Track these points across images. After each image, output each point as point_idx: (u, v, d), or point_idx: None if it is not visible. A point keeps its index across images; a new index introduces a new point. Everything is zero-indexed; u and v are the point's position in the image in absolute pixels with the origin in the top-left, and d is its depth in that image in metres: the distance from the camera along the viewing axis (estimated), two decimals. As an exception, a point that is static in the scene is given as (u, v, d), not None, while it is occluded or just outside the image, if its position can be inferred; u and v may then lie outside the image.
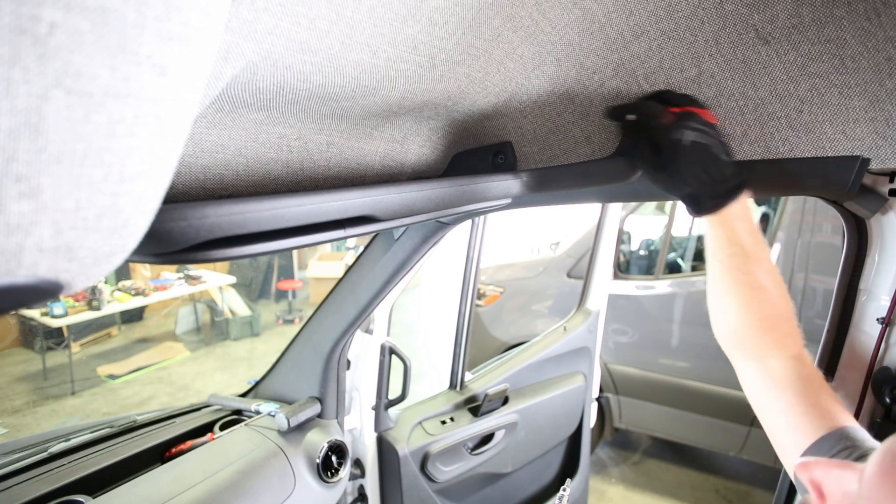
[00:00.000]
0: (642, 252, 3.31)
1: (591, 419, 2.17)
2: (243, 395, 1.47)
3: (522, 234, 4.12)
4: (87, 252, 0.21)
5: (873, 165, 0.64)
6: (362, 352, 1.44)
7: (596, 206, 2.47)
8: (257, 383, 1.46)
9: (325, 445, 1.22)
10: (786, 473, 0.61)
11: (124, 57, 0.18)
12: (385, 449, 1.50)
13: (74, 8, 0.16)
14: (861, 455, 0.53)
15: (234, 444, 1.15)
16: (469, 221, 1.59)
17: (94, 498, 0.96)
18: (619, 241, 2.98)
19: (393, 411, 1.54)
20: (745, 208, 0.64)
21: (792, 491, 1.02)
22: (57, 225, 0.19)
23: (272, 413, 1.25)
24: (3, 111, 0.15)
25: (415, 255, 1.15)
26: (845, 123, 0.62)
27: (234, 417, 1.32)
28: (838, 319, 0.95)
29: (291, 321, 6.11)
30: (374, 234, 1.15)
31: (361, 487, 1.51)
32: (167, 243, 0.37)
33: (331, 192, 0.48)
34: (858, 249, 0.91)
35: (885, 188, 0.79)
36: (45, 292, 0.20)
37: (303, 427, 1.24)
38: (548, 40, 0.64)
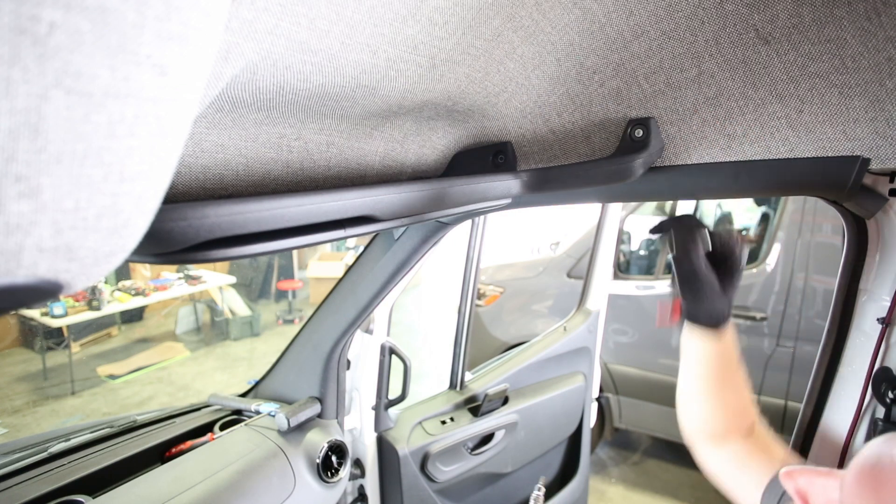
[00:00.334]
0: (642, 252, 3.30)
1: (591, 419, 2.17)
2: (243, 395, 1.47)
3: (522, 234, 4.12)
4: (87, 252, 0.21)
5: (873, 165, 0.64)
6: (362, 352, 1.44)
7: (596, 206, 2.47)
8: (257, 383, 1.46)
9: (325, 445, 1.22)
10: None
11: (124, 57, 0.18)
12: (385, 449, 1.50)
13: (74, 8, 0.16)
14: None
15: (234, 444, 1.15)
16: (469, 221, 1.59)
17: (94, 498, 0.96)
18: (619, 241, 2.98)
19: (393, 411, 1.54)
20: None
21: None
22: (57, 225, 0.19)
23: (272, 413, 1.25)
24: (2, 111, 0.15)
25: (415, 255, 1.15)
26: (845, 123, 0.62)
27: (234, 417, 1.32)
28: (839, 319, 0.95)
29: (291, 321, 6.11)
30: (374, 234, 1.15)
31: (361, 487, 1.51)
32: (167, 243, 0.37)
33: (331, 192, 0.48)
34: (859, 249, 0.91)
35: (885, 188, 0.79)
36: (44, 292, 0.20)
37: (303, 427, 1.24)
38: (548, 40, 0.64)
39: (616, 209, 2.33)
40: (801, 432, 1.03)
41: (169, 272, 5.57)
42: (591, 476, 2.19)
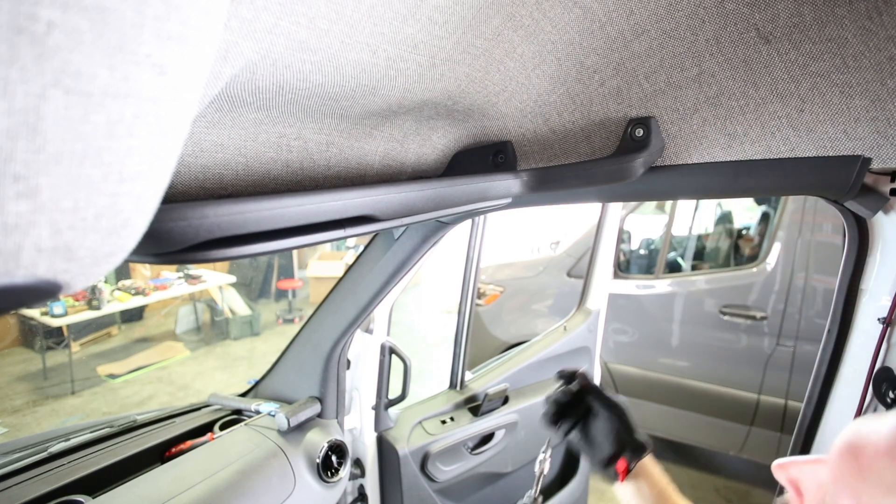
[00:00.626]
0: (642, 251, 3.31)
1: (592, 419, 2.16)
2: (243, 394, 1.47)
3: (522, 234, 4.12)
4: (86, 252, 0.21)
5: (875, 165, 0.64)
6: (362, 352, 1.44)
7: (596, 206, 2.47)
8: (257, 383, 1.46)
9: (325, 445, 1.22)
10: None
11: (123, 56, 0.18)
12: (385, 449, 1.50)
13: (73, 7, 0.16)
14: None
15: (233, 444, 1.15)
16: (469, 221, 1.59)
17: (94, 498, 0.96)
18: (619, 240, 2.98)
19: (393, 411, 1.54)
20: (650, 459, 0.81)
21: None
22: (55, 225, 0.19)
23: (272, 413, 1.25)
24: (0, 111, 0.15)
25: (415, 255, 1.15)
26: (846, 123, 0.62)
27: (234, 417, 1.32)
28: (839, 319, 0.95)
29: (291, 320, 6.12)
30: (374, 234, 1.15)
31: (361, 487, 1.51)
32: (166, 243, 0.37)
33: (331, 191, 0.48)
34: (859, 249, 0.91)
35: (886, 188, 0.79)
36: (43, 292, 0.20)
37: (303, 427, 1.24)
38: (548, 39, 0.64)
39: (616, 209, 2.33)
40: (801, 432, 1.03)
41: (169, 272, 5.57)
42: (591, 476, 2.19)
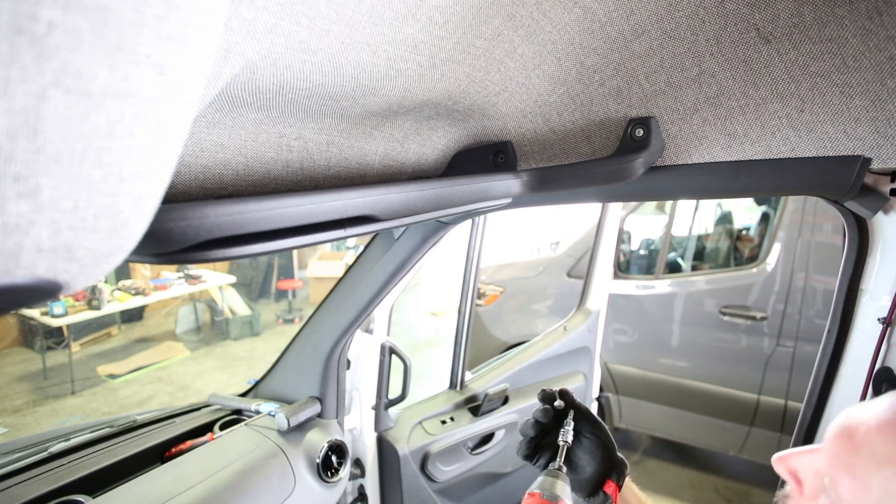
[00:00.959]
0: (642, 251, 3.30)
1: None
2: (243, 394, 1.47)
3: (522, 234, 4.13)
4: (86, 252, 0.21)
5: (875, 165, 0.64)
6: (362, 352, 1.44)
7: (596, 206, 2.47)
8: (257, 383, 1.46)
9: (325, 445, 1.22)
10: None
11: (123, 56, 0.18)
12: (385, 449, 1.50)
13: (73, 7, 0.16)
14: None
15: (234, 444, 1.15)
16: (469, 221, 1.59)
17: (94, 498, 0.96)
18: (619, 240, 2.97)
19: (393, 411, 1.54)
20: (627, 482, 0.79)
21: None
22: (55, 225, 0.19)
23: (272, 413, 1.25)
24: (1, 111, 0.15)
25: (415, 255, 1.15)
26: (846, 123, 0.62)
27: (234, 417, 1.32)
28: (839, 319, 0.95)
29: (291, 321, 6.11)
30: (374, 234, 1.15)
31: (361, 487, 1.51)
32: (167, 243, 0.37)
33: (331, 191, 0.48)
34: (859, 249, 0.91)
35: (886, 188, 0.79)
36: (43, 292, 0.20)
37: (303, 427, 1.24)
38: (548, 39, 0.64)
39: (616, 209, 2.33)
40: (801, 432, 1.03)
41: (169, 272, 5.57)
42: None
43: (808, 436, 1.01)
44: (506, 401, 1.78)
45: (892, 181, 0.79)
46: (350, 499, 1.52)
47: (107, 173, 0.20)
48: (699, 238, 3.19)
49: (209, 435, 1.22)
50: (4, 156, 0.16)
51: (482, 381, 1.80)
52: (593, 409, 2.18)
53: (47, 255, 0.19)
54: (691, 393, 2.84)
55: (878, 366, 0.88)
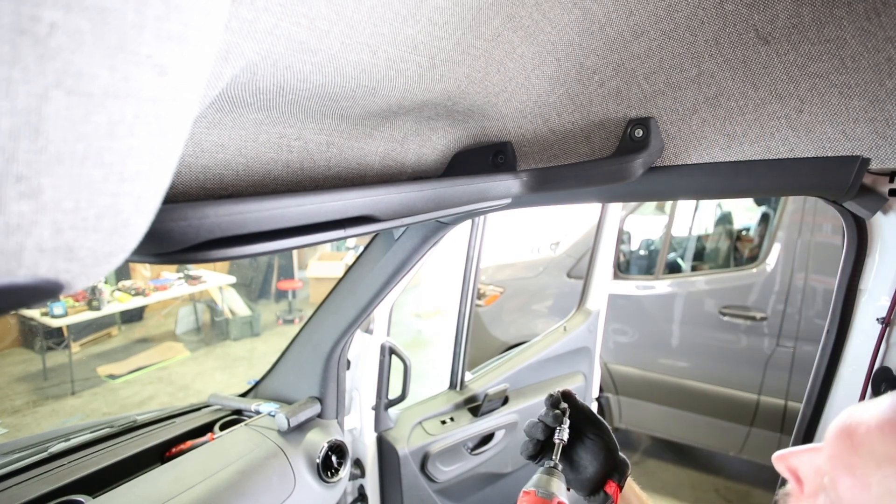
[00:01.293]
0: (642, 252, 3.31)
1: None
2: (243, 395, 1.47)
3: (522, 234, 4.12)
4: (87, 252, 0.21)
5: (873, 165, 0.64)
6: (362, 352, 1.44)
7: (596, 207, 2.47)
8: (257, 383, 1.46)
9: (325, 445, 1.22)
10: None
11: (124, 57, 0.18)
12: (385, 449, 1.50)
13: (74, 8, 0.16)
14: None
15: (234, 444, 1.15)
16: (469, 221, 1.59)
17: (94, 498, 0.96)
18: (619, 241, 2.98)
19: (393, 411, 1.54)
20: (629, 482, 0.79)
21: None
22: (57, 225, 0.19)
23: (272, 413, 1.25)
24: (3, 111, 0.15)
25: (415, 255, 1.15)
26: (845, 123, 0.62)
27: (234, 417, 1.33)
28: (838, 319, 0.95)
29: (291, 321, 6.11)
30: (374, 234, 1.15)
31: (361, 487, 1.51)
32: (167, 243, 0.37)
33: (331, 192, 0.48)
34: (858, 249, 0.91)
35: (885, 188, 0.79)
36: (45, 292, 0.20)
37: (303, 427, 1.25)
38: (548, 40, 0.64)
39: (616, 209, 2.33)
40: (800, 432, 1.03)
41: (169, 272, 5.57)
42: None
43: (808, 435, 1.01)
44: (506, 401, 1.78)
45: (891, 181, 0.79)
46: (350, 499, 1.52)
47: (108, 173, 0.20)
48: (699, 238, 3.19)
49: (209, 435, 1.22)
50: (7, 156, 0.16)
51: (482, 381, 1.80)
52: (593, 409, 2.18)
53: (49, 254, 0.19)
54: (691, 393, 2.84)
55: (877, 366, 0.88)
